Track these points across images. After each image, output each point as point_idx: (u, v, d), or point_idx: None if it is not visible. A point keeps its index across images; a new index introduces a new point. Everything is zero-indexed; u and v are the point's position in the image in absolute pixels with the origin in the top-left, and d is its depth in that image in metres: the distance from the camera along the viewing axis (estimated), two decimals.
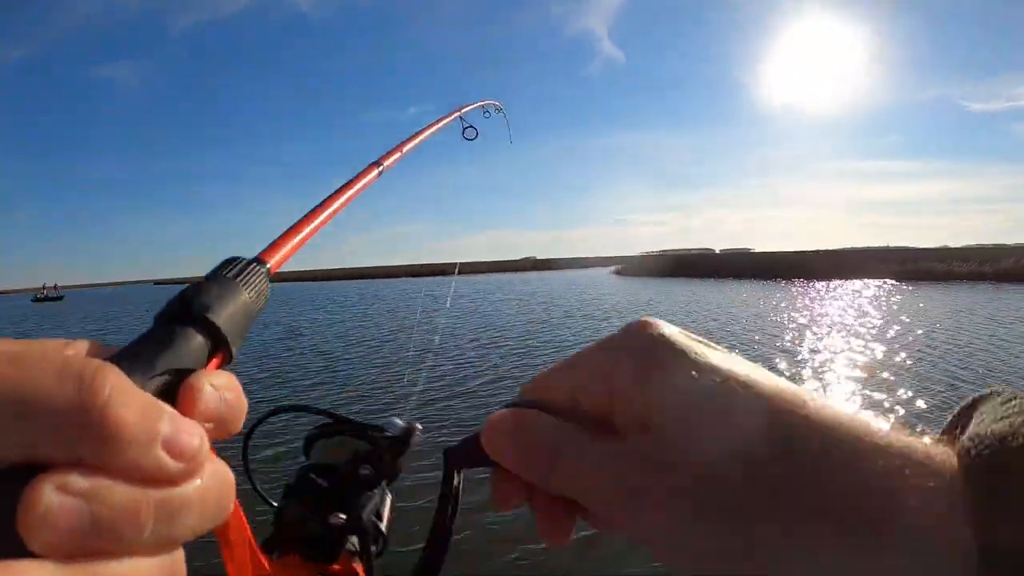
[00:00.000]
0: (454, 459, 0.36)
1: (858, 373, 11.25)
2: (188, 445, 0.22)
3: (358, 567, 0.63)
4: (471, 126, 1.75)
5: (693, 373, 0.29)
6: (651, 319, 0.32)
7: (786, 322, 19.03)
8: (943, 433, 0.30)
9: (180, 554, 0.23)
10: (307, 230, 0.61)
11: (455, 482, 0.36)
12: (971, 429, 0.27)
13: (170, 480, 0.22)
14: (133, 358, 0.26)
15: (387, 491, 0.68)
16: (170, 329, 0.29)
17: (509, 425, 0.32)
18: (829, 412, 0.28)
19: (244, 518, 0.39)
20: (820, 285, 37.59)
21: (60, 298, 75.49)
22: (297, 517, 0.61)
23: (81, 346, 0.25)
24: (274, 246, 0.53)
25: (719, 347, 0.31)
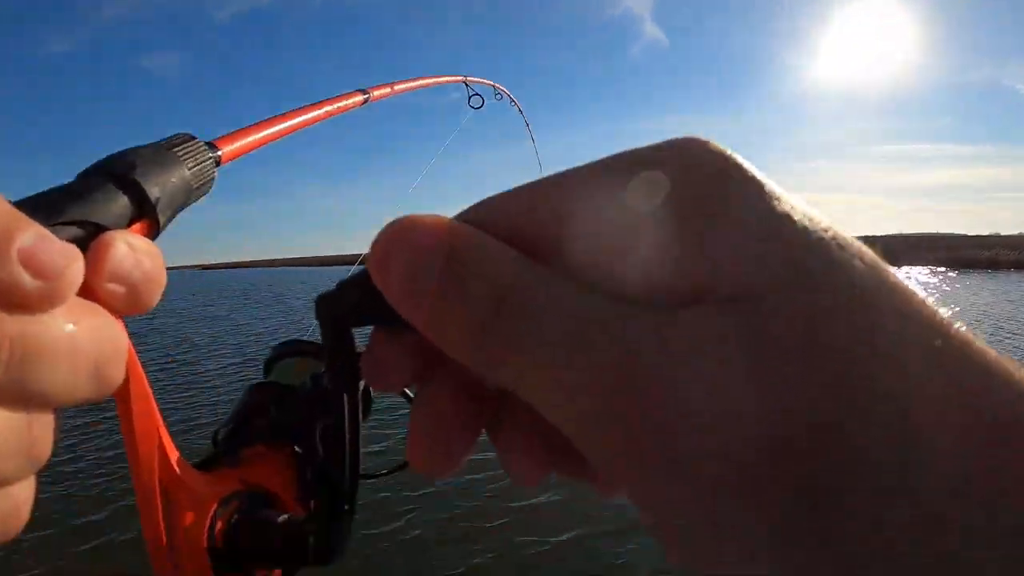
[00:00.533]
0: (335, 312, 0.20)
1: None
2: (52, 263, 0.18)
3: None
4: (477, 94, 1.65)
5: (797, 219, 0.15)
6: (701, 138, 0.17)
7: None
8: None
9: (46, 422, 0.20)
10: (273, 130, 0.55)
11: (343, 354, 0.21)
12: None
13: (26, 301, 0.18)
14: (36, 203, 0.23)
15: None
16: (86, 182, 0.26)
17: (419, 237, 0.17)
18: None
19: (153, 403, 0.30)
20: None
21: None
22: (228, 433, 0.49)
23: None
24: (232, 135, 0.47)
25: None
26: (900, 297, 0.15)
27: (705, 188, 0.16)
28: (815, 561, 0.14)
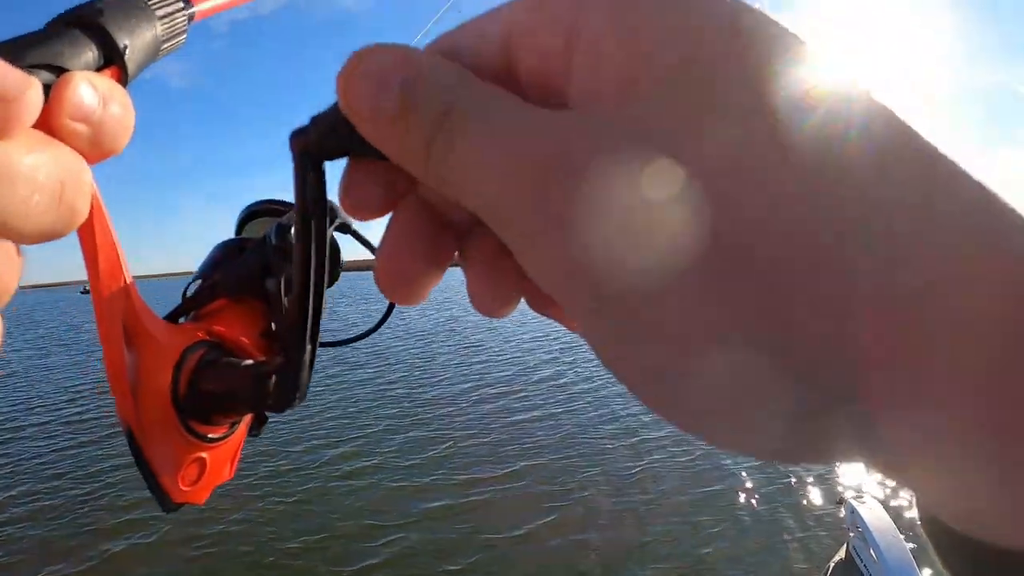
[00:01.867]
0: (305, 145, 0.20)
1: None
2: (6, 85, 0.17)
3: None
4: None
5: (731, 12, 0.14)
6: None
7: None
8: None
9: (8, 251, 0.19)
10: None
11: (314, 189, 0.21)
12: None
13: None
14: None
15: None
16: (51, 29, 0.25)
17: (378, 61, 0.17)
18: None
19: (118, 251, 0.30)
20: None
21: None
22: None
23: None
24: None
25: None
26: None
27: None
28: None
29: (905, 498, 6.33)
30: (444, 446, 8.24)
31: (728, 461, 7.49)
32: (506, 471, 7.32)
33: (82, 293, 76.27)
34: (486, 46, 0.18)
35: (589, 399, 10.40)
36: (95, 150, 0.21)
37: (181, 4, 0.34)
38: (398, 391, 11.45)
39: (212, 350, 0.39)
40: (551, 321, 0.21)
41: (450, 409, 10.01)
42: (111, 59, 0.26)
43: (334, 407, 10.33)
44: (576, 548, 5.56)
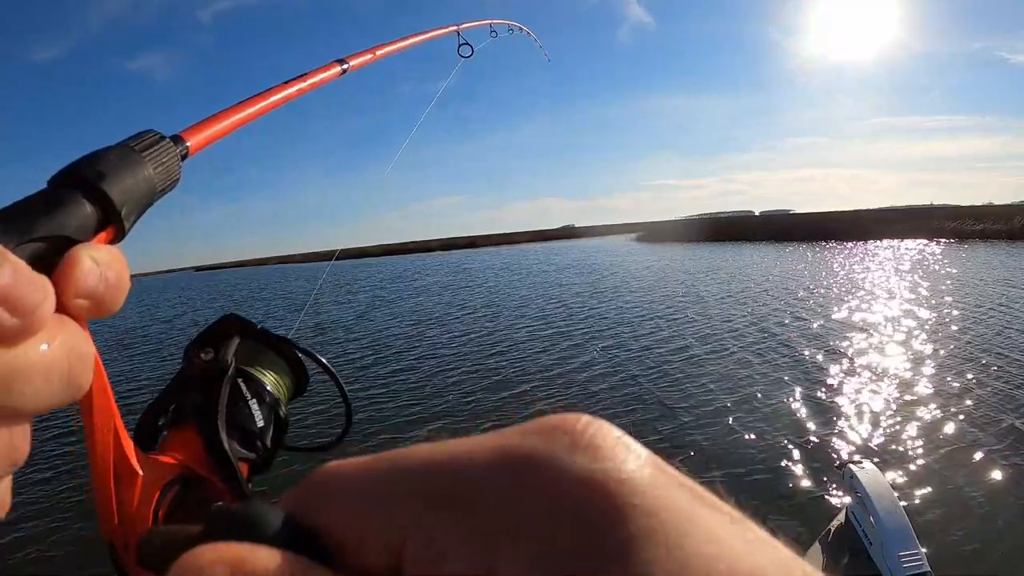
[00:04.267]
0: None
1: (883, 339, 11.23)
2: (28, 299, 0.20)
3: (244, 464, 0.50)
4: (467, 43, 1.62)
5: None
6: (588, 419, 0.16)
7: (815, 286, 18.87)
8: None
9: (23, 429, 0.21)
10: (241, 115, 0.54)
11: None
12: None
13: (4, 336, 0.19)
14: (7, 220, 0.24)
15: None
16: (56, 193, 0.27)
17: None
18: None
19: (112, 402, 0.34)
20: (858, 246, 36.81)
21: None
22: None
23: None
24: (199, 125, 0.46)
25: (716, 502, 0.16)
26: None
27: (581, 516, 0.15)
28: None
29: (903, 465, 6.39)
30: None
31: (729, 428, 7.56)
32: None
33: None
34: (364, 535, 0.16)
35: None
36: (96, 315, 0.24)
37: (174, 147, 0.36)
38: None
39: (184, 487, 0.43)
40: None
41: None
42: (109, 219, 0.29)
43: None
44: None
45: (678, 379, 9.80)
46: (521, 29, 1.92)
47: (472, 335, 15.07)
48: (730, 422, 7.75)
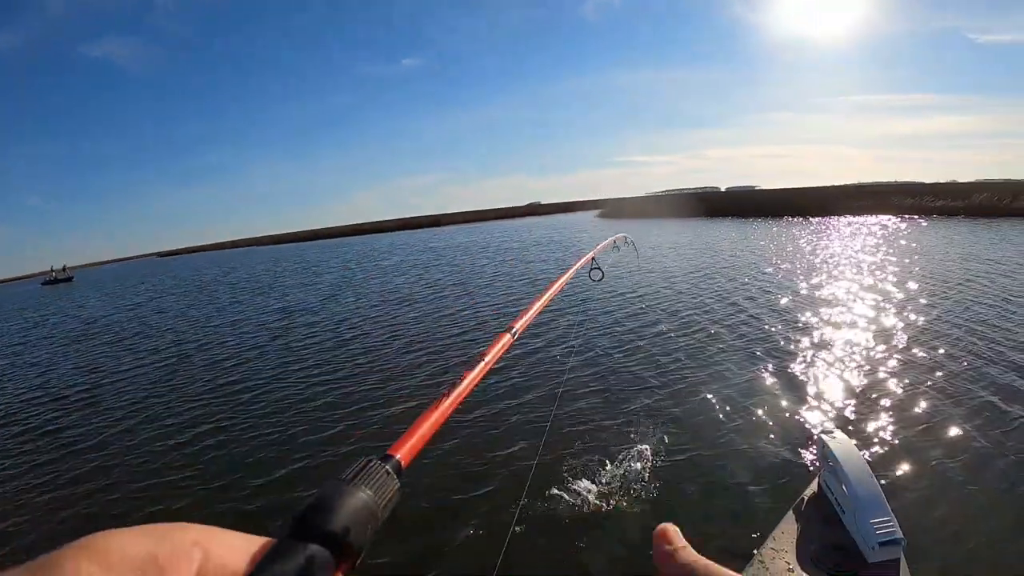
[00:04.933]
0: None
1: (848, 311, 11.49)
2: None
3: None
4: (597, 267, 1.89)
5: None
6: None
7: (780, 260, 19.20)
8: None
9: None
10: (434, 418, 0.60)
11: None
12: None
13: None
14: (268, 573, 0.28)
15: None
16: (293, 547, 0.31)
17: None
18: None
19: None
20: (823, 221, 37.55)
21: (70, 279, 76.25)
22: None
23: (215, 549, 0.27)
24: (403, 438, 0.53)
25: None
26: None
27: None
28: None
29: (874, 435, 6.58)
30: None
31: (703, 401, 7.66)
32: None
33: (43, 284, 75.47)
34: None
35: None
36: None
37: (385, 466, 0.39)
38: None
39: None
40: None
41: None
42: (343, 555, 0.32)
43: None
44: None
45: (651, 354, 9.91)
46: (629, 242, 2.19)
47: (445, 311, 15.01)
48: (704, 395, 7.88)
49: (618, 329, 11.78)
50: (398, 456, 0.44)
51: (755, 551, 4.70)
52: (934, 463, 5.88)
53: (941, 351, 9.10)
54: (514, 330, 0.89)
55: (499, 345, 0.83)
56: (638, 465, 6.13)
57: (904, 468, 5.87)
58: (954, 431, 6.45)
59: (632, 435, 6.84)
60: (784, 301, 13.49)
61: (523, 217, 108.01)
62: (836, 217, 40.75)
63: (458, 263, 28.54)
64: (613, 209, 73.38)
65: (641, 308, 13.73)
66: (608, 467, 6.09)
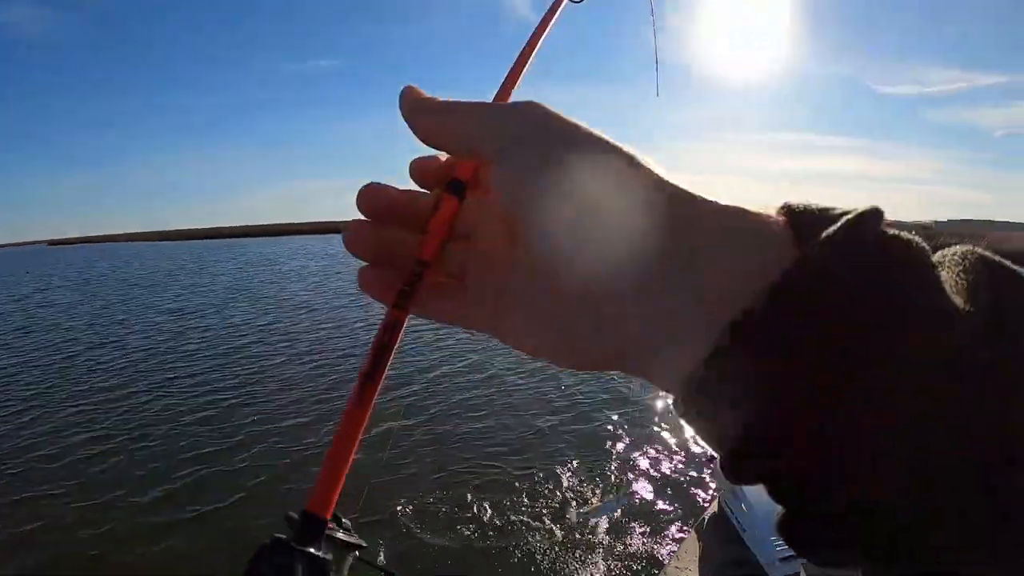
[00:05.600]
0: None
1: None
2: None
3: None
4: None
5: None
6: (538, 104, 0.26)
7: None
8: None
9: None
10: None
11: None
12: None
13: None
14: None
15: None
16: None
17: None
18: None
19: None
20: None
21: None
22: None
23: None
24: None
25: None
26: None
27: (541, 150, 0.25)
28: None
29: None
30: None
31: (607, 426, 7.81)
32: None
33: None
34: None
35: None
36: None
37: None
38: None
39: None
40: None
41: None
42: None
43: None
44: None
45: (549, 375, 10.02)
46: None
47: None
48: (606, 420, 8.03)
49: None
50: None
51: (657, 572, 4.80)
52: None
53: None
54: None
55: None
56: (549, 486, 6.13)
57: None
58: None
59: (534, 459, 6.84)
60: None
61: None
62: None
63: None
64: None
65: None
66: (516, 488, 6.05)
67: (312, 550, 0.41)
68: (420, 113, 0.28)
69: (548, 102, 0.26)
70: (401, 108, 0.28)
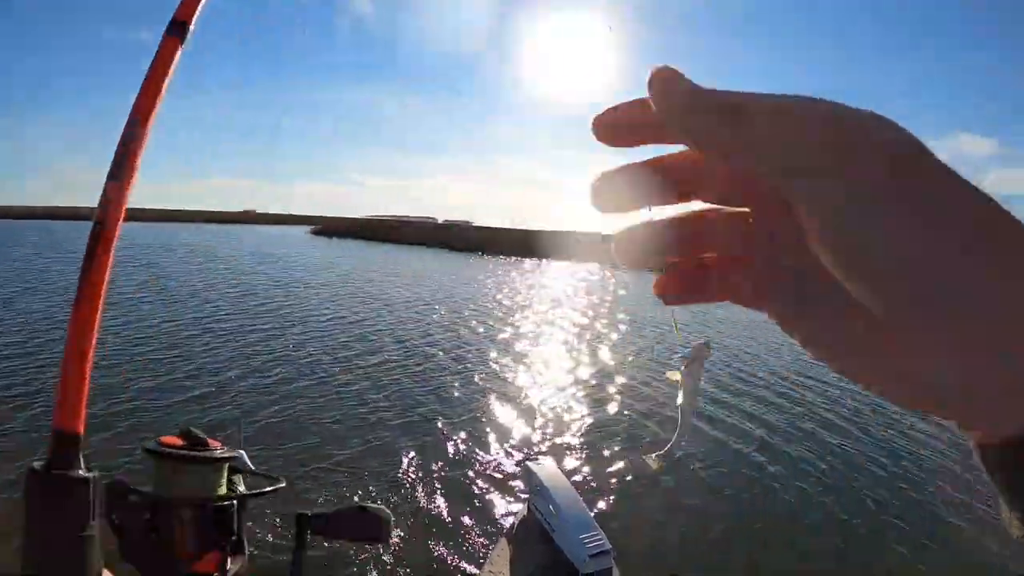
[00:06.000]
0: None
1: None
2: None
3: None
4: None
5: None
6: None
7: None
8: None
9: None
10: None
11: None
12: None
13: None
14: None
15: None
16: None
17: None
18: None
19: None
20: (533, 263, 41.35)
21: None
22: None
23: None
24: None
25: None
26: None
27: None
28: None
29: (577, 458, 7.38)
30: None
31: (412, 435, 7.75)
32: None
33: None
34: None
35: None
36: None
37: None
38: None
39: None
40: None
41: None
42: None
43: None
44: None
45: (365, 388, 9.75)
46: None
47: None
48: (417, 428, 8.00)
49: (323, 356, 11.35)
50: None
51: None
52: (629, 481, 6.84)
53: (635, 382, 10.72)
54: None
55: None
56: (347, 493, 5.92)
57: (607, 485, 6.70)
58: (639, 453, 7.55)
59: (336, 476, 6.60)
60: (486, 340, 14.48)
61: (237, 224, 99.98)
62: (551, 261, 44.87)
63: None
64: (329, 227, 72.30)
65: (349, 335, 13.51)
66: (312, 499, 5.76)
67: (72, 472, 0.33)
68: (698, 114, 0.21)
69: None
70: (660, 100, 0.21)
